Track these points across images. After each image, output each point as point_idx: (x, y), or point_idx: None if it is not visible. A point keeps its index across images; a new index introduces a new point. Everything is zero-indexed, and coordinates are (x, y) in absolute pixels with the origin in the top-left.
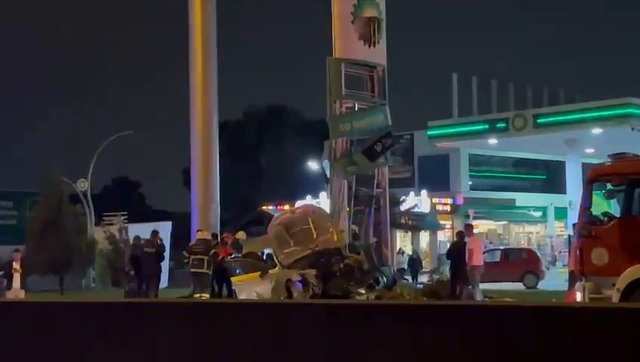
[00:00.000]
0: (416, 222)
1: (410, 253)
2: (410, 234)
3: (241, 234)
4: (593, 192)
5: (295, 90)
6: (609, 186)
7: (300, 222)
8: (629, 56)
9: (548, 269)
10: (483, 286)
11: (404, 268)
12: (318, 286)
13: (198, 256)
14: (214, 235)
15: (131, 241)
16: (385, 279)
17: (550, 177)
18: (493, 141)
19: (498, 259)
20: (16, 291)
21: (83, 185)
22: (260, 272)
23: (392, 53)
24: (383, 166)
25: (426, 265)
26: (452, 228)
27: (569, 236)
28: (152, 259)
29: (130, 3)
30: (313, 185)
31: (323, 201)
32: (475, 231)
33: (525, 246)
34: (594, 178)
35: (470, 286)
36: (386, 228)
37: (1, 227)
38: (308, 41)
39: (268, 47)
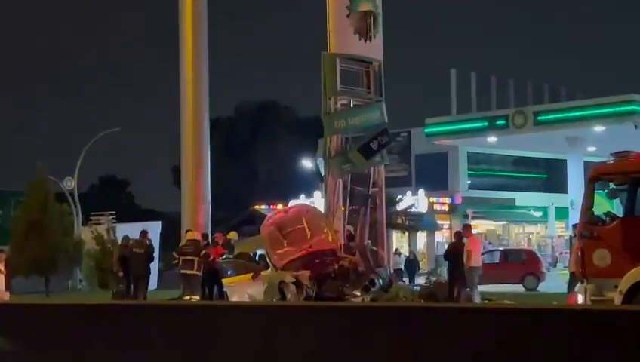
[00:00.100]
0: (414, 223)
1: (407, 254)
2: (406, 234)
3: (232, 235)
4: (595, 192)
5: (289, 86)
6: (611, 185)
7: (294, 222)
8: (633, 55)
9: (548, 271)
10: (482, 288)
11: (401, 269)
12: (312, 288)
13: (188, 257)
14: (204, 235)
15: (119, 242)
16: (381, 281)
17: (551, 176)
18: (492, 139)
19: (497, 261)
20: (1, 293)
21: (69, 183)
22: (252, 274)
23: (389, 48)
24: (379, 164)
25: (423, 266)
26: (450, 228)
27: (570, 237)
28: (141, 260)
29: None
30: (307, 184)
31: (317, 201)
32: (473, 231)
33: (525, 247)
34: (596, 177)
35: (468, 289)
36: (382, 229)
37: None
38: (302, 36)
39: (261, 41)
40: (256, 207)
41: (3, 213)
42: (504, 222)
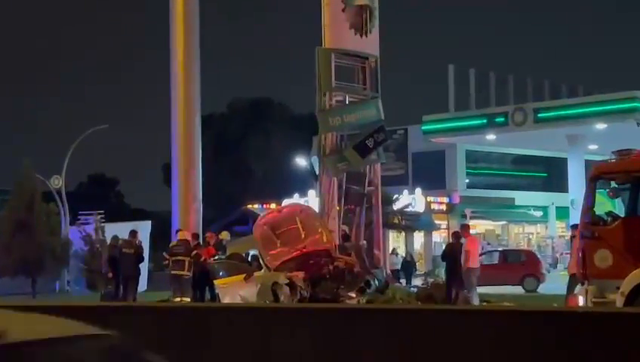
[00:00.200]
0: (410, 222)
1: (404, 254)
2: (403, 234)
3: (224, 235)
4: (596, 191)
5: (282, 82)
6: (613, 184)
7: (287, 222)
8: (633, 55)
9: (549, 272)
10: (480, 289)
11: (397, 270)
12: (306, 289)
13: (179, 258)
14: (195, 235)
15: (109, 242)
16: (377, 282)
17: (551, 175)
18: (491, 137)
19: (496, 262)
20: None
21: (57, 182)
22: (244, 275)
23: (385, 43)
24: (375, 162)
25: (421, 267)
26: (448, 228)
27: (571, 237)
28: (131, 261)
29: None
30: (301, 183)
31: (311, 200)
32: (472, 231)
33: (525, 247)
34: (597, 176)
35: (466, 290)
36: (378, 229)
37: None
38: (296, 31)
39: (254, 37)
40: (249, 206)
41: None
42: (503, 222)
